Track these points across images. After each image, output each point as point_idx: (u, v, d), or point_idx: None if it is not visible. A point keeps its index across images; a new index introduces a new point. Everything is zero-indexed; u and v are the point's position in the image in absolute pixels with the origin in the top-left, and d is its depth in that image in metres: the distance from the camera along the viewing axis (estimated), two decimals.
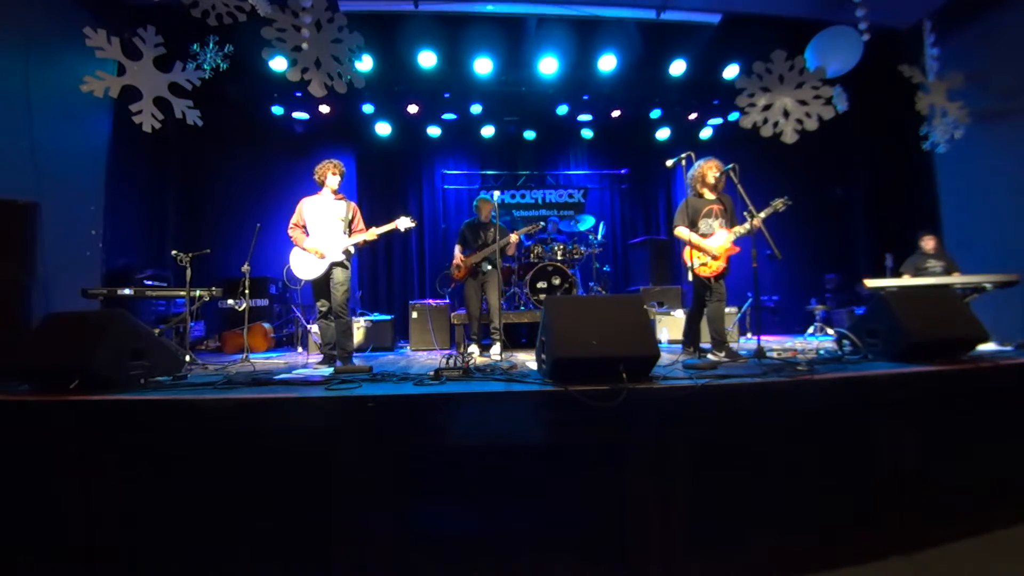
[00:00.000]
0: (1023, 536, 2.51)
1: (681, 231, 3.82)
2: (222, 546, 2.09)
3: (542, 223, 5.43)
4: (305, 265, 3.96)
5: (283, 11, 4.39)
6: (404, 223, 4.16)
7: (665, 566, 2.15)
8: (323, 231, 3.96)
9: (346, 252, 3.97)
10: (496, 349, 4.51)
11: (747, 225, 3.65)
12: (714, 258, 3.73)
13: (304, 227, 4.01)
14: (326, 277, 3.93)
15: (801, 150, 5.56)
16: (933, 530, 2.42)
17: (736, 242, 3.80)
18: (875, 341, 3.06)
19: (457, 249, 4.93)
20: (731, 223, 3.85)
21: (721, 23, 5.89)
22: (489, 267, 4.70)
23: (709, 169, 3.82)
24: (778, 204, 3.66)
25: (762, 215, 3.54)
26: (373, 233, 4.06)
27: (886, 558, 2.31)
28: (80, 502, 2.07)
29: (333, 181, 3.98)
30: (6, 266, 3.75)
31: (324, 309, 3.98)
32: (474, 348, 4.76)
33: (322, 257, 3.89)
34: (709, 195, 3.88)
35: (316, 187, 4.06)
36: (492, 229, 4.63)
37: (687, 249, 3.78)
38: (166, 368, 2.81)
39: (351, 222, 4.06)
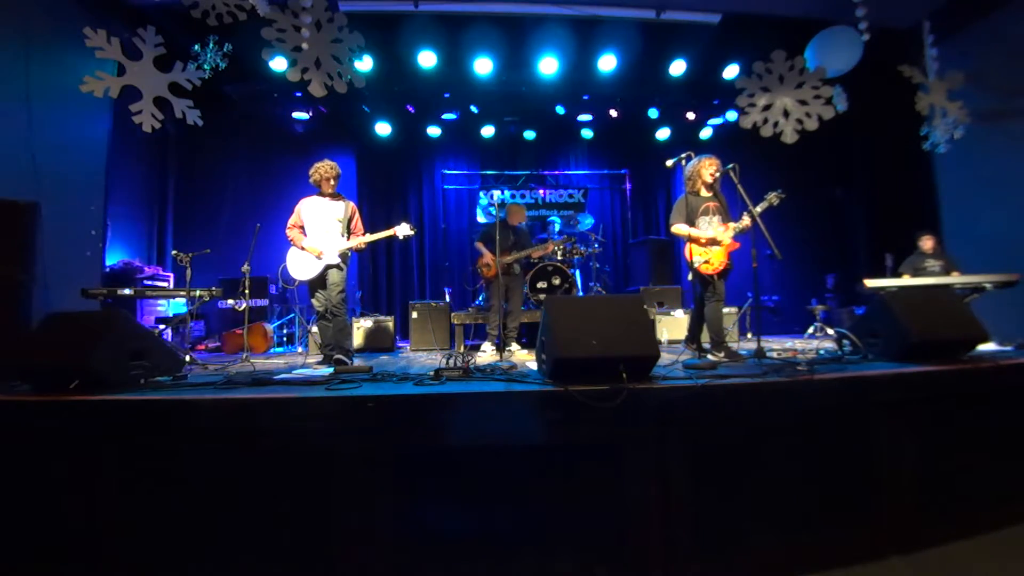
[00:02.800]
0: (1023, 536, 2.51)
1: (680, 228, 3.80)
2: (223, 546, 2.09)
3: (570, 232, 5.72)
4: (301, 265, 3.97)
5: (283, 11, 4.38)
6: (403, 230, 4.15)
7: (665, 566, 2.15)
8: (321, 232, 3.96)
9: (342, 255, 3.97)
10: (514, 346, 4.86)
11: (745, 220, 3.65)
12: (715, 243, 3.71)
13: (302, 228, 4.01)
14: (321, 278, 3.94)
15: (801, 150, 5.56)
16: (933, 530, 2.42)
17: (735, 238, 3.81)
18: (875, 341, 3.06)
19: (482, 247, 5.10)
20: (727, 220, 3.85)
21: (721, 23, 5.88)
22: (519, 269, 5.04)
23: (708, 168, 3.80)
24: (772, 198, 3.66)
25: (758, 209, 3.53)
26: (371, 238, 4.07)
27: (886, 558, 2.31)
28: (80, 502, 2.07)
29: (327, 183, 3.98)
30: (6, 266, 3.75)
31: (322, 310, 3.98)
32: (488, 346, 4.82)
33: (320, 256, 3.90)
34: (706, 193, 3.88)
35: (315, 187, 4.07)
36: (522, 234, 4.99)
37: (688, 247, 3.76)
38: (166, 368, 2.81)
39: (350, 222, 4.06)
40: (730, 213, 3.90)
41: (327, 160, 4.03)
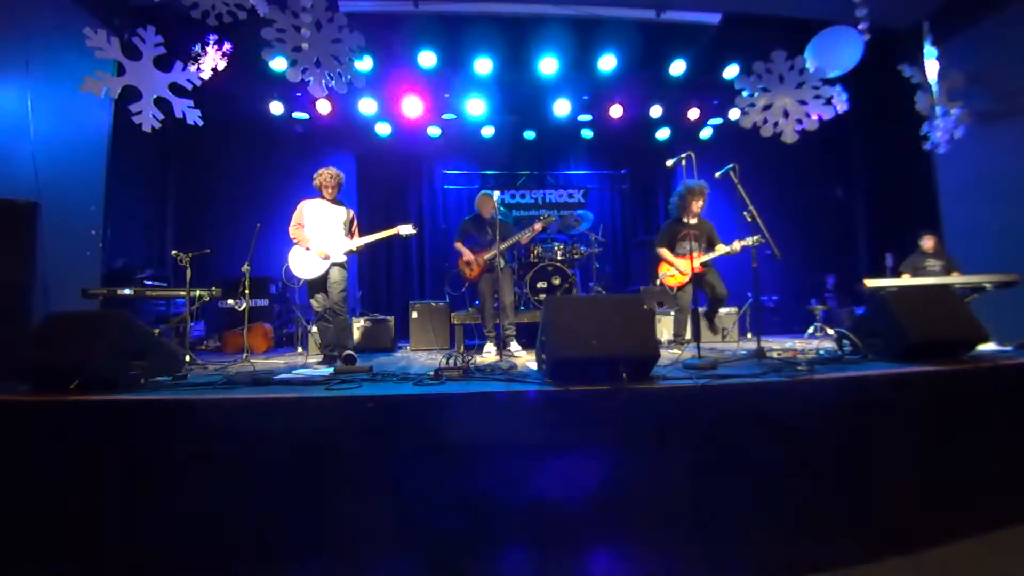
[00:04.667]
0: (1023, 536, 2.51)
1: (662, 252, 4.66)
2: (222, 546, 2.09)
3: (554, 215, 5.43)
4: (304, 265, 3.98)
5: (283, 11, 4.38)
6: (406, 229, 4.19)
7: (665, 566, 2.15)
8: (323, 233, 3.99)
9: (347, 254, 4.01)
10: (514, 344, 4.54)
11: (728, 248, 4.35)
12: (682, 274, 4.52)
13: (303, 227, 4.02)
14: (323, 278, 3.96)
15: (801, 150, 5.56)
16: (933, 530, 2.42)
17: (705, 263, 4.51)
18: (875, 341, 3.06)
19: (461, 247, 4.86)
20: (705, 244, 4.57)
21: (721, 23, 5.89)
22: (503, 263, 4.68)
23: (697, 203, 4.48)
24: (757, 238, 4.00)
25: (737, 245, 4.27)
26: (374, 237, 4.11)
27: (886, 558, 2.31)
28: (80, 502, 2.07)
29: (327, 190, 4.04)
30: (6, 266, 3.75)
31: (320, 311, 3.98)
32: (490, 347, 4.73)
33: (327, 258, 3.93)
34: (690, 220, 4.53)
35: (316, 190, 4.09)
36: (497, 225, 4.61)
37: (661, 264, 4.66)
38: (166, 368, 2.81)
39: (350, 227, 4.11)
40: (717, 235, 4.59)
41: (331, 168, 4.09)
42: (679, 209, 4.56)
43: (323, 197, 4.07)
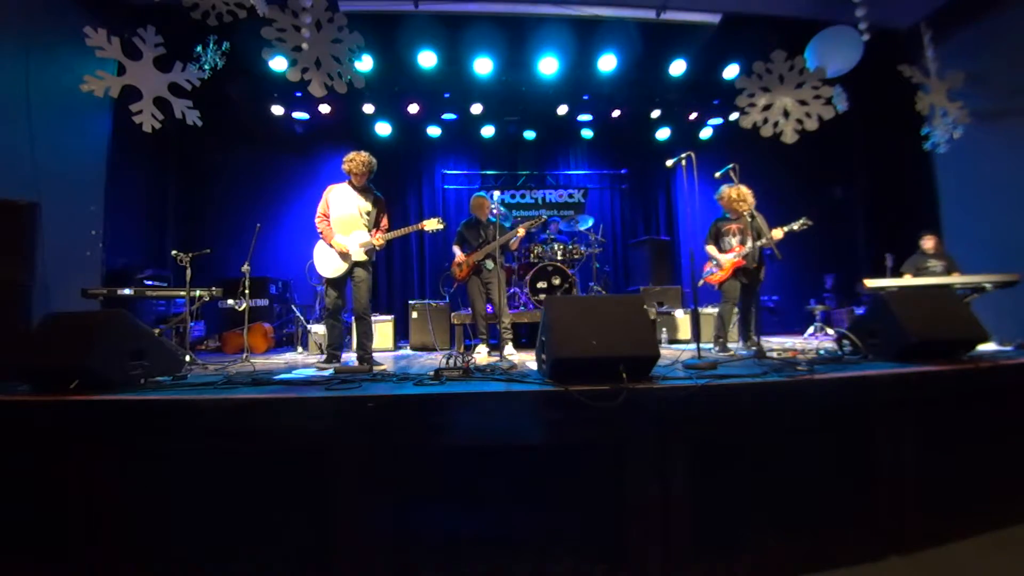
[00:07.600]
0: (1023, 536, 2.51)
1: (707, 249, 4.63)
2: (221, 546, 2.09)
3: (545, 215, 5.44)
4: (328, 261, 3.90)
5: (283, 11, 4.38)
6: (432, 224, 4.16)
7: (665, 566, 2.15)
8: (345, 222, 3.89)
9: (368, 252, 3.90)
10: (509, 348, 4.54)
11: (764, 240, 4.24)
12: (722, 269, 4.49)
13: (328, 217, 3.94)
14: (347, 276, 3.90)
15: (801, 150, 5.56)
16: (933, 530, 2.42)
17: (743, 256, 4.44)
18: (875, 341, 3.06)
19: (456, 249, 4.88)
20: (749, 235, 4.38)
21: (721, 23, 5.89)
22: (492, 265, 4.65)
23: (727, 197, 4.44)
24: (803, 221, 4.15)
25: (784, 229, 4.19)
26: (397, 233, 4.05)
27: (886, 558, 2.31)
28: (80, 502, 2.07)
29: (356, 177, 3.90)
30: (6, 266, 3.75)
31: (332, 308, 3.93)
32: (482, 348, 4.73)
33: (346, 253, 3.83)
34: (731, 215, 4.54)
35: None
36: (491, 227, 4.62)
37: (707, 264, 4.67)
38: (166, 368, 2.81)
39: (377, 218, 4.00)
40: (768, 229, 4.40)
41: (364, 153, 3.91)
42: (724, 205, 4.56)
43: (350, 183, 3.95)
